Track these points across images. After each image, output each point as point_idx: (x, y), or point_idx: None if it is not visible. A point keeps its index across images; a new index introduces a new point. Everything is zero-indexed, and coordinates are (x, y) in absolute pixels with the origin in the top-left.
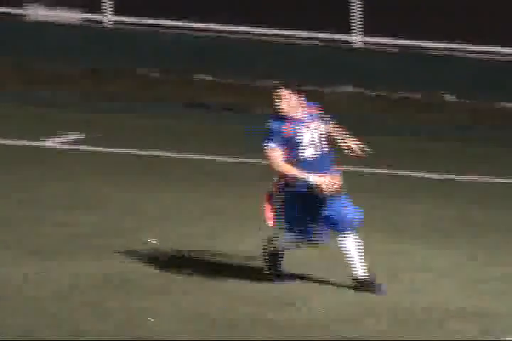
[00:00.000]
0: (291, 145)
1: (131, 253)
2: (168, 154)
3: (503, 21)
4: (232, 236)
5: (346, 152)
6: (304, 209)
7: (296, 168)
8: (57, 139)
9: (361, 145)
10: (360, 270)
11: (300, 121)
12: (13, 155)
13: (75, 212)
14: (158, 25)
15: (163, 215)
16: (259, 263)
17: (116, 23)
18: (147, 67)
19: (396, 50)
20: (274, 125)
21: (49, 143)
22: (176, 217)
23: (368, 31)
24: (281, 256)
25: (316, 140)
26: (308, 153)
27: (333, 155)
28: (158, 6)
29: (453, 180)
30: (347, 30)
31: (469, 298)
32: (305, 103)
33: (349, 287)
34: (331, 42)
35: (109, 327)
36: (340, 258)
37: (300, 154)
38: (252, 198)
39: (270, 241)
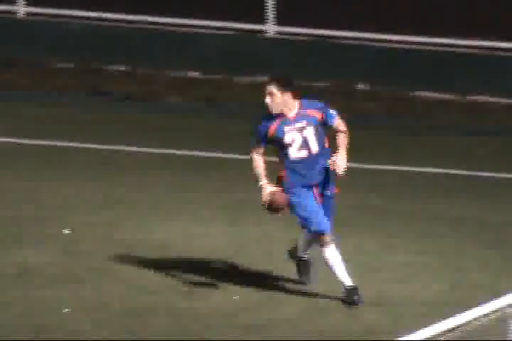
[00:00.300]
0: (279, 145)
1: (30, 243)
2: (67, 143)
3: (412, 10)
4: (131, 224)
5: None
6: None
7: (286, 167)
8: None
9: (342, 168)
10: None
11: (288, 120)
12: None
13: None
14: (65, 16)
15: (62, 204)
16: (158, 251)
17: (28, 14)
18: (49, 56)
19: (308, 39)
20: (262, 123)
21: None
22: (75, 205)
23: (281, 21)
24: (311, 263)
25: (302, 141)
26: (296, 153)
27: (327, 154)
28: None
29: (351, 167)
30: (261, 20)
31: (372, 286)
32: (299, 102)
33: (252, 275)
34: (244, 31)
35: (9, 316)
36: (246, 248)
37: (288, 154)
38: (150, 187)
39: (294, 250)
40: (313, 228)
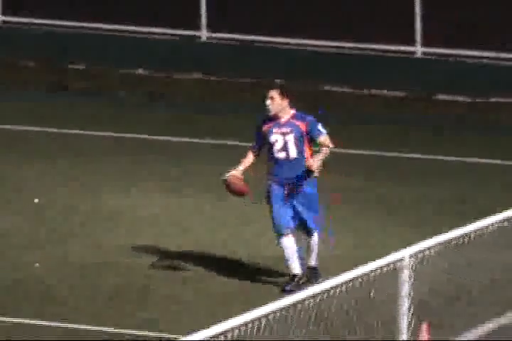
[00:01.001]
0: (269, 145)
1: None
2: (27, 128)
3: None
4: (87, 197)
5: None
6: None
7: (272, 167)
8: None
9: (317, 167)
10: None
11: (278, 123)
12: None
13: None
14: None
15: (21, 186)
16: (110, 218)
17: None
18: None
19: (235, 43)
20: (258, 123)
21: None
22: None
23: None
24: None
25: (283, 144)
26: (277, 153)
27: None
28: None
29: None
30: (196, 26)
31: None
32: (294, 112)
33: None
34: (182, 37)
35: None
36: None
37: (272, 152)
38: (105, 166)
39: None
40: (275, 230)
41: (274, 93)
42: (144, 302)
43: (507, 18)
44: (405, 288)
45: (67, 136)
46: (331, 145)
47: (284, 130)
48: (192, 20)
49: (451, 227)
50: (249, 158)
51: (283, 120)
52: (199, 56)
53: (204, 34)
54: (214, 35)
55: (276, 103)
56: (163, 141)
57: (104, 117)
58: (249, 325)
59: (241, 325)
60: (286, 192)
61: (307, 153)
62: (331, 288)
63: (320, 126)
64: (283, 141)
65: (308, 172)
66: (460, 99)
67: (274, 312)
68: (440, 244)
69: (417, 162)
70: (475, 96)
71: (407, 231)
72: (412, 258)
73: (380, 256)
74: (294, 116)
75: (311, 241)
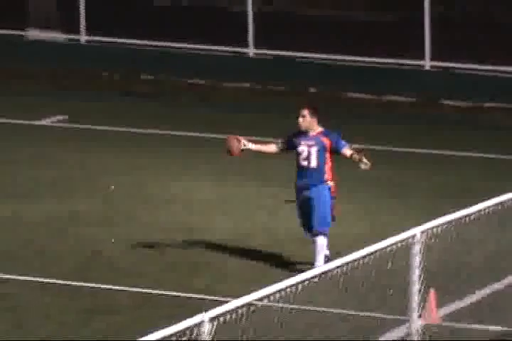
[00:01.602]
0: (296, 154)
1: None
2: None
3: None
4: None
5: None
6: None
7: (296, 172)
8: None
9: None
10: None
11: (307, 137)
12: None
13: None
14: None
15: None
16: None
17: None
18: None
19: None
20: (293, 133)
21: None
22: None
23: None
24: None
25: (306, 154)
26: (301, 162)
27: (323, 172)
28: None
29: None
30: (245, 44)
31: None
32: (322, 129)
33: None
34: (232, 53)
35: (66, 248)
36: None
37: (299, 162)
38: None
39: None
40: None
41: (306, 112)
42: (198, 272)
43: None
44: (416, 260)
45: (142, 134)
46: (349, 154)
47: (310, 143)
48: (241, 39)
49: (455, 209)
50: (268, 145)
51: (311, 134)
52: (247, 68)
53: (251, 51)
54: (259, 51)
55: (307, 121)
56: (210, 137)
57: (165, 117)
58: (288, 290)
59: (281, 290)
60: (302, 195)
61: (327, 164)
62: (356, 259)
63: (342, 141)
64: (307, 152)
65: (324, 180)
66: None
67: (308, 279)
68: (446, 222)
69: (429, 155)
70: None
71: (418, 212)
72: (423, 235)
73: (395, 234)
74: (320, 133)
75: (315, 244)
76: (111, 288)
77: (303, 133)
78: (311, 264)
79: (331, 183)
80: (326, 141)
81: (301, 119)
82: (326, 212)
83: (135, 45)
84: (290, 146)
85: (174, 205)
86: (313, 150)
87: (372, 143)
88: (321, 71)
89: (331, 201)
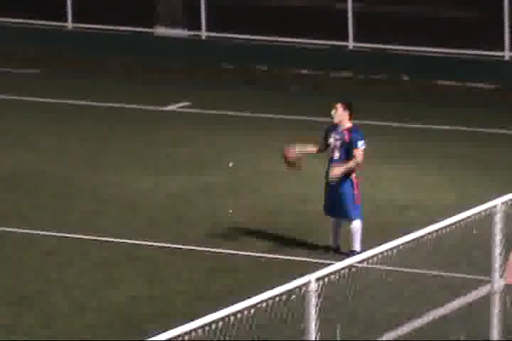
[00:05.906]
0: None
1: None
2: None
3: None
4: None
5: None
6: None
7: (328, 162)
8: None
9: (336, 174)
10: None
11: (337, 131)
12: None
13: None
14: None
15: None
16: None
17: None
18: None
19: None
20: (326, 127)
21: None
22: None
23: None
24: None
25: (333, 146)
26: (330, 153)
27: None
28: None
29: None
30: (345, 38)
31: None
32: (351, 126)
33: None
34: (333, 46)
35: (198, 214)
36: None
37: (330, 154)
38: None
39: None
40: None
41: (339, 106)
42: (307, 239)
43: None
44: (498, 227)
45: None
46: (359, 159)
47: (337, 137)
48: (341, 33)
49: None
50: (310, 147)
51: (340, 129)
52: (347, 60)
53: (351, 44)
54: (358, 44)
55: (338, 114)
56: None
57: (279, 103)
58: (385, 253)
59: (378, 253)
60: (329, 185)
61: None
62: (445, 226)
63: (360, 142)
64: (334, 144)
65: (347, 173)
66: None
67: (403, 244)
68: None
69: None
70: None
71: (500, 185)
72: (503, 205)
73: (479, 204)
74: (348, 129)
75: (351, 227)
76: (231, 252)
77: (334, 127)
78: (351, 251)
79: (353, 176)
80: (347, 137)
81: (333, 111)
82: (349, 203)
83: (250, 40)
84: (326, 139)
85: (289, 178)
86: (338, 143)
87: (457, 124)
88: (413, 62)
89: (352, 193)
